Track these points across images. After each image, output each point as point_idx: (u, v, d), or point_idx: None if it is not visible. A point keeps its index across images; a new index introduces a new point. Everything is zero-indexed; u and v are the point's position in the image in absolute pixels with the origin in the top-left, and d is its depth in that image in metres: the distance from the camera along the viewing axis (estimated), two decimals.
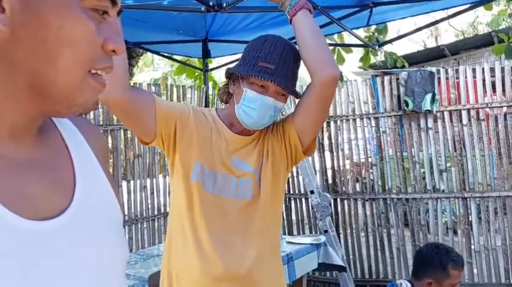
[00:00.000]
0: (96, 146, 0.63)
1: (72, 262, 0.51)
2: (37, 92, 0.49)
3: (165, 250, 1.40)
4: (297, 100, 1.43)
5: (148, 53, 5.04)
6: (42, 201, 0.50)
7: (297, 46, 1.36)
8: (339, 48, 4.81)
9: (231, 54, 4.25)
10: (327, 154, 4.25)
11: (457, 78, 3.76)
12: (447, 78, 3.78)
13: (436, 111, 3.76)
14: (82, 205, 0.54)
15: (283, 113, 1.44)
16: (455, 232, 3.83)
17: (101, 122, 3.59)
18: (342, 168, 4.18)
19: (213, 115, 1.40)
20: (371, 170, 4.10)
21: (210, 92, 4.46)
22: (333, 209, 4.02)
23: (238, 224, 1.33)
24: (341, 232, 4.14)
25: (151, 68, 11.82)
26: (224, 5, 1.96)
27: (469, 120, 3.71)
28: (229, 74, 1.39)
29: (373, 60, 5.73)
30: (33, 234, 0.47)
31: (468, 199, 3.69)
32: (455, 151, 3.75)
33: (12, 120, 0.50)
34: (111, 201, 0.61)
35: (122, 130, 3.73)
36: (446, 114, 3.77)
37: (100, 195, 0.59)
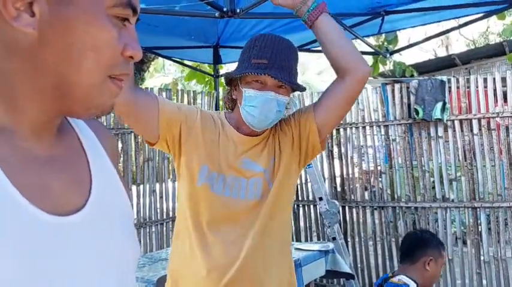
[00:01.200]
0: (108, 147, 0.64)
1: (88, 257, 0.52)
2: (60, 93, 0.52)
3: (171, 254, 1.40)
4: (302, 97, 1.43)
5: (159, 58, 5.08)
6: (61, 197, 0.52)
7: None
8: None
9: None
10: (336, 161, 4.24)
11: (468, 87, 3.74)
12: (458, 87, 3.77)
13: (447, 120, 3.74)
14: (97, 203, 0.56)
15: (288, 109, 1.43)
16: (464, 242, 3.79)
17: (112, 126, 3.63)
18: (350, 175, 4.17)
19: (222, 118, 1.40)
20: (380, 178, 4.08)
21: (220, 97, 4.49)
22: (341, 217, 4.01)
23: (248, 225, 1.31)
24: (349, 240, 4.11)
25: (162, 74, 11.90)
26: (238, 10, 1.97)
27: (480, 129, 3.68)
28: (229, 81, 1.39)
29: (381, 69, 5.73)
30: (52, 227, 0.49)
31: (478, 209, 3.66)
32: (466, 160, 3.72)
33: (34, 118, 0.52)
34: (124, 201, 0.63)
35: (132, 134, 3.76)
36: (456, 123, 3.75)
37: (114, 194, 0.61)
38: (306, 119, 1.37)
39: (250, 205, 1.32)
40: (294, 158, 1.38)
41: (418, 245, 2.21)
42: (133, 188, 3.80)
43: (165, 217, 3.95)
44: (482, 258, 3.67)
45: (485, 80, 3.71)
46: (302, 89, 1.37)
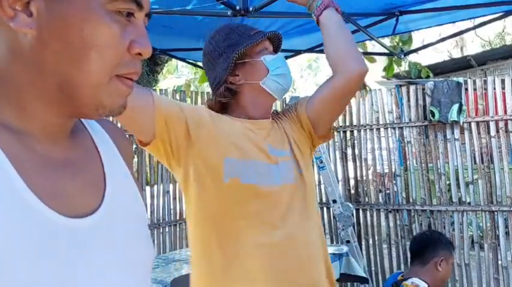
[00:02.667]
0: (122, 148, 0.64)
1: (104, 260, 0.52)
2: (65, 94, 0.50)
3: (196, 277, 1.23)
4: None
5: (173, 60, 5.10)
6: (76, 200, 0.52)
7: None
8: (363, 57, 4.79)
9: None
10: (350, 163, 4.21)
11: (485, 89, 3.68)
12: (475, 89, 3.71)
13: (463, 122, 3.69)
14: (112, 205, 0.56)
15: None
16: (481, 247, 3.73)
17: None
18: (364, 178, 4.13)
19: (226, 116, 1.28)
20: (394, 181, 4.04)
21: None
22: (355, 220, 3.97)
23: (287, 209, 1.21)
24: (363, 243, 4.07)
25: (175, 75, 11.97)
26: (251, 9, 1.96)
27: (497, 132, 3.62)
28: (226, 69, 1.25)
29: (396, 70, 5.68)
30: (68, 230, 0.48)
31: (495, 213, 3.59)
32: (483, 163, 3.66)
33: (46, 121, 0.52)
34: (138, 202, 0.62)
35: None
36: (473, 125, 3.70)
37: (128, 196, 0.60)
38: (300, 111, 1.34)
39: (287, 188, 1.22)
40: (305, 142, 1.34)
41: (428, 246, 2.17)
42: (147, 189, 3.82)
43: (178, 218, 3.96)
44: (500, 263, 3.60)
45: (502, 81, 3.64)
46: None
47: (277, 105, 4.00)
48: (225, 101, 1.28)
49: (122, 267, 0.54)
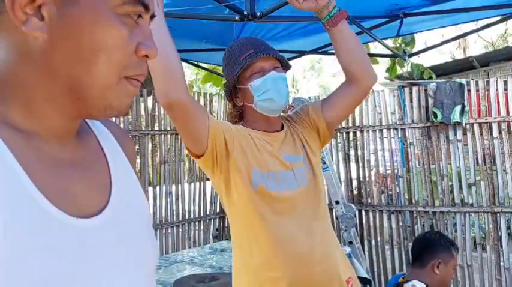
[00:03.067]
0: (126, 149, 0.65)
1: (111, 259, 0.53)
2: (74, 96, 0.51)
3: (237, 262, 1.41)
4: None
5: None
6: (83, 199, 0.52)
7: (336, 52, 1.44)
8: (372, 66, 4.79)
9: None
10: (353, 165, 4.21)
11: (488, 90, 3.68)
12: (477, 90, 3.71)
13: (466, 124, 3.69)
14: (117, 205, 0.56)
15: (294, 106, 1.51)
16: (483, 248, 3.73)
17: (130, 128, 3.66)
18: (367, 179, 4.13)
19: (244, 129, 1.43)
20: (397, 182, 4.04)
21: None
22: (357, 221, 3.97)
23: (308, 208, 1.39)
24: (365, 244, 4.07)
25: None
26: (258, 14, 1.97)
27: (500, 133, 3.62)
28: (229, 94, 1.44)
29: (399, 71, 5.68)
30: (76, 230, 0.49)
31: (498, 214, 3.59)
32: (485, 164, 3.66)
33: (54, 122, 0.52)
34: (142, 203, 0.63)
35: (150, 136, 3.79)
36: (476, 126, 3.70)
37: (133, 196, 0.61)
38: (315, 113, 1.46)
39: (302, 192, 1.39)
40: (316, 146, 1.47)
41: (426, 248, 2.15)
42: (150, 189, 3.83)
43: (181, 218, 3.97)
44: (502, 264, 3.60)
45: (505, 82, 3.64)
46: (289, 66, 1.45)
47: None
48: (237, 115, 1.47)
49: (128, 266, 0.55)
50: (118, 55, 0.50)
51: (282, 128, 1.46)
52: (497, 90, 3.64)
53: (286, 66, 1.43)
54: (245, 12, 1.99)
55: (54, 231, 0.47)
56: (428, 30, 3.24)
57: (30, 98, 0.51)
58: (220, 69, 5.04)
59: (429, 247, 2.14)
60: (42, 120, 0.52)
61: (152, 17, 0.55)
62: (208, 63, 4.58)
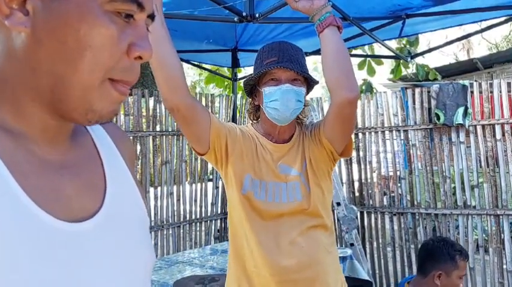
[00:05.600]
0: (124, 150, 0.63)
1: (103, 264, 0.51)
2: (56, 96, 0.49)
3: (233, 257, 1.46)
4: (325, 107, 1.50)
5: None
6: (75, 203, 0.51)
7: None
8: (370, 60, 4.78)
9: None
10: (354, 166, 4.20)
11: (491, 92, 3.66)
12: (480, 92, 3.69)
13: (469, 126, 3.67)
14: (112, 208, 0.55)
15: (307, 115, 1.54)
16: (486, 251, 3.70)
17: (131, 128, 3.66)
18: (369, 181, 4.12)
19: (253, 130, 1.49)
20: (399, 184, 4.02)
21: (238, 101, 4.49)
22: (359, 222, 3.95)
23: (295, 221, 1.40)
24: (367, 246, 4.06)
25: None
26: (257, 15, 1.98)
27: (503, 135, 3.59)
28: (250, 90, 1.49)
29: (403, 72, 5.66)
30: (66, 235, 0.48)
31: (501, 217, 3.57)
32: (488, 166, 3.63)
33: (42, 123, 0.51)
34: (139, 206, 0.62)
35: (151, 137, 3.79)
36: (479, 128, 3.67)
37: (129, 200, 0.60)
38: (318, 130, 1.46)
39: (293, 206, 1.40)
40: (323, 161, 1.46)
41: (429, 257, 2.07)
42: (151, 190, 3.83)
43: (182, 219, 3.96)
44: (504, 267, 3.57)
45: (509, 84, 3.62)
46: (314, 81, 1.45)
47: None
48: (253, 111, 1.51)
49: (121, 270, 0.53)
50: (104, 55, 0.48)
51: (292, 137, 1.48)
52: (500, 92, 3.62)
53: (310, 81, 1.44)
54: (244, 14, 2.00)
55: (43, 236, 0.45)
56: (431, 31, 3.23)
57: (17, 97, 0.49)
58: (222, 71, 5.05)
59: (432, 256, 2.05)
60: (30, 121, 0.50)
61: (151, 17, 0.53)
62: (211, 64, 4.59)
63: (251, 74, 1.48)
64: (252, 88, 1.49)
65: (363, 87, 5.64)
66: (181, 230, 3.96)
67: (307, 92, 1.47)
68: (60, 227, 0.47)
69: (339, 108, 1.34)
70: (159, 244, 3.76)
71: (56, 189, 0.50)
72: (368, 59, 4.72)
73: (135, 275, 0.56)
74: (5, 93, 0.49)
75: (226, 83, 5.26)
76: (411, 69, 6.00)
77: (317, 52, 3.44)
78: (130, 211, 0.59)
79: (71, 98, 0.49)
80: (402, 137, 4.00)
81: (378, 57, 4.30)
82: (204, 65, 4.47)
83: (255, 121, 1.53)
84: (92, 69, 0.48)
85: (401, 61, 4.59)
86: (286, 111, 1.39)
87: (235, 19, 2.01)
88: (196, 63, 4.24)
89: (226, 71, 4.97)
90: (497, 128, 3.60)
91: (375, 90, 4.34)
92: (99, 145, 0.59)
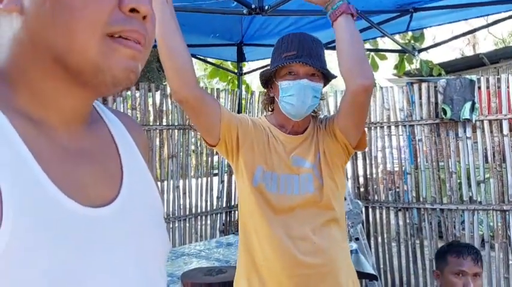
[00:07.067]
0: (139, 141, 0.64)
1: (121, 249, 0.52)
2: (60, 65, 0.48)
3: (243, 250, 1.46)
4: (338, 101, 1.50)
5: None
6: (94, 189, 0.51)
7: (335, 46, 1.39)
8: (373, 54, 4.76)
9: (265, 59, 4.27)
10: (360, 161, 4.19)
11: (499, 87, 3.64)
12: (487, 87, 3.67)
13: (476, 121, 3.65)
14: (129, 196, 0.55)
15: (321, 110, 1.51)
16: (492, 246, 3.70)
17: (138, 122, 3.67)
18: (374, 176, 4.11)
19: (265, 122, 1.49)
20: (404, 179, 4.01)
21: (243, 96, 4.49)
22: (364, 217, 3.95)
23: (307, 214, 1.39)
24: (372, 240, 4.06)
25: None
26: (266, 7, 1.97)
27: (510, 130, 3.58)
28: (266, 82, 1.49)
29: (407, 68, 5.63)
30: (87, 220, 0.48)
31: (507, 212, 3.56)
32: (494, 161, 3.62)
33: (58, 103, 0.51)
34: (154, 195, 0.62)
35: (158, 131, 3.80)
36: (486, 123, 3.66)
37: (145, 188, 0.60)
38: (332, 122, 1.45)
39: (305, 198, 1.39)
40: (337, 154, 1.45)
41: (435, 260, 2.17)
42: (157, 184, 3.84)
43: (187, 213, 3.98)
44: (510, 262, 3.57)
45: None
46: (332, 75, 1.44)
47: None
48: (268, 103, 1.51)
49: (138, 256, 0.54)
50: (91, 10, 0.46)
51: (305, 130, 1.48)
52: (508, 87, 3.60)
53: (327, 76, 1.43)
54: (253, 6, 1.99)
55: (65, 220, 0.46)
56: (438, 25, 3.22)
57: (30, 80, 0.49)
58: (227, 65, 5.04)
59: (435, 259, 2.14)
60: (47, 105, 0.50)
61: None
62: (216, 58, 4.58)
63: (266, 66, 1.47)
64: (268, 79, 1.48)
65: None
66: (187, 224, 3.98)
67: (324, 86, 1.46)
68: (82, 212, 0.48)
69: (354, 97, 1.34)
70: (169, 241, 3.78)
71: (76, 175, 0.50)
72: (371, 54, 4.70)
73: (152, 260, 0.57)
74: (20, 80, 0.49)
75: (229, 77, 5.26)
76: (415, 65, 5.97)
77: (324, 46, 3.42)
78: (146, 200, 0.59)
79: (74, 62, 0.48)
80: (408, 132, 3.99)
81: (383, 51, 4.27)
82: (209, 59, 4.46)
83: (269, 112, 1.52)
84: (82, 28, 0.46)
85: (405, 56, 4.56)
86: (302, 107, 1.38)
87: (244, 11, 2.00)
88: (201, 57, 4.24)
89: (230, 65, 4.96)
90: (505, 123, 3.59)
91: (379, 85, 4.31)
92: (115, 134, 0.60)
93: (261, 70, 1.54)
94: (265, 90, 1.53)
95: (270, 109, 1.52)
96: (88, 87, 0.51)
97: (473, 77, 3.74)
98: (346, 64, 1.33)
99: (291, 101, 1.38)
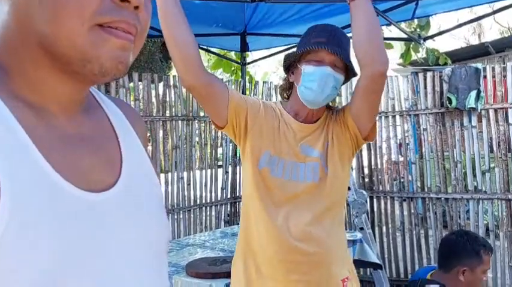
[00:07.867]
0: (138, 129, 0.64)
1: (121, 234, 0.52)
2: (48, 52, 0.48)
3: (241, 232, 1.49)
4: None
5: None
6: (93, 175, 0.51)
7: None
8: (385, 51, 4.71)
9: (269, 48, 4.24)
10: (364, 151, 4.18)
11: (504, 76, 3.60)
12: (493, 76, 3.63)
13: (481, 109, 3.62)
14: (128, 182, 0.55)
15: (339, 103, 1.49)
16: (496, 235, 3.69)
17: (141, 113, 3.67)
18: (379, 166, 4.10)
19: (280, 108, 1.49)
20: (408, 168, 4.00)
21: (247, 86, 4.48)
22: (368, 207, 3.95)
23: (308, 203, 1.40)
24: (376, 230, 4.06)
25: None
26: None
27: None
28: (287, 66, 1.47)
29: (413, 57, 5.58)
30: (87, 204, 0.48)
31: None
32: (500, 151, 3.60)
33: (55, 90, 0.51)
34: (153, 180, 0.62)
35: (161, 121, 3.80)
36: (491, 112, 3.63)
37: (144, 174, 0.60)
38: (346, 111, 1.44)
39: (309, 186, 1.40)
40: (346, 146, 1.45)
41: (452, 253, 2.00)
42: (162, 175, 3.85)
43: (192, 204, 4.00)
44: None
45: None
46: (354, 72, 1.43)
47: None
48: (286, 87, 1.50)
49: (139, 240, 0.54)
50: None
51: (318, 120, 1.47)
52: None
53: (348, 73, 1.43)
54: None
55: (66, 204, 0.46)
56: (444, 12, 3.18)
57: (25, 67, 0.49)
58: (230, 55, 5.02)
59: (455, 252, 1.98)
60: (43, 92, 0.50)
61: None
62: (219, 48, 4.56)
63: (270, 55, 1.46)
64: (291, 64, 1.46)
65: None
66: (192, 214, 3.99)
67: (343, 83, 1.45)
68: (82, 197, 0.48)
69: (370, 82, 1.32)
70: (170, 227, 3.79)
71: (75, 160, 0.50)
72: None
73: (152, 246, 0.57)
74: (15, 67, 0.49)
75: (233, 68, 5.24)
76: (421, 54, 5.92)
77: None
78: (145, 185, 0.59)
79: (60, 51, 0.47)
80: (413, 122, 3.97)
81: (389, 40, 4.23)
82: (212, 49, 4.44)
83: (285, 99, 1.52)
84: (69, 15, 0.45)
85: (411, 45, 4.52)
86: (320, 94, 1.38)
87: None
88: (204, 47, 4.22)
89: (233, 56, 4.94)
90: (510, 112, 3.56)
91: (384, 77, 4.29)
92: (114, 121, 0.60)
93: (286, 53, 1.55)
94: (285, 75, 1.51)
95: (286, 96, 1.51)
96: (77, 76, 0.50)
97: (479, 65, 3.71)
98: (363, 48, 1.30)
99: (312, 86, 1.37)
